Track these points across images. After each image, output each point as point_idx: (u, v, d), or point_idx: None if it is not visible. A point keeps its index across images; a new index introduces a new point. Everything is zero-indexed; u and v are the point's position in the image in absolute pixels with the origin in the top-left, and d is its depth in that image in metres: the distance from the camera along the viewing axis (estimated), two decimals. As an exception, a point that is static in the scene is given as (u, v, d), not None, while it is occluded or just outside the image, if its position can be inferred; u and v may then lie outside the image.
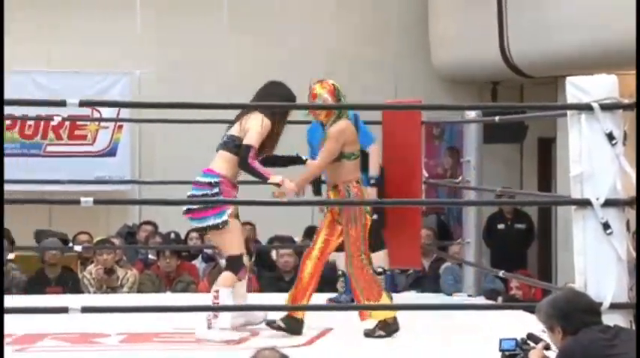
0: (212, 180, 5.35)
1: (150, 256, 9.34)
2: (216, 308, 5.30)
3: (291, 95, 5.59)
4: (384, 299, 5.49)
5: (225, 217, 5.32)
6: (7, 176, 10.35)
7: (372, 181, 6.49)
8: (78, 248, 7.97)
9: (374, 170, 6.51)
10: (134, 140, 11.50)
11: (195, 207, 5.33)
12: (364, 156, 6.18)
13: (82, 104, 4.59)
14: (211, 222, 5.33)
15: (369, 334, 5.47)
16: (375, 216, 6.49)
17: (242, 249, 5.44)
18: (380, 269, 6.51)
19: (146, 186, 10.82)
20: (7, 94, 10.23)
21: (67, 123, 10.92)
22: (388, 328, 5.46)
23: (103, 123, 11.22)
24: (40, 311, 5.26)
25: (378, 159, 6.54)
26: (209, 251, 9.07)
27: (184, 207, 5.39)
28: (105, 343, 5.28)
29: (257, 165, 5.37)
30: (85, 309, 4.40)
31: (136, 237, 10.04)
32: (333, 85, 5.60)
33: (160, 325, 5.57)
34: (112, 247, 8.40)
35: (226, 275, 5.37)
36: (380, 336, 5.44)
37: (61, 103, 4.56)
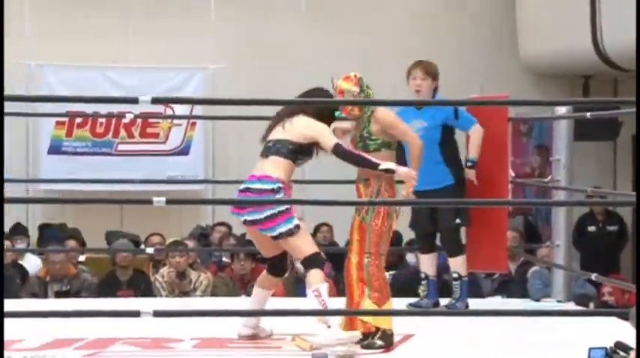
0: (274, 186, 5.31)
1: (224, 259, 9.41)
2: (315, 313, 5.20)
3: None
4: (389, 306, 5.44)
5: (295, 221, 5.30)
6: (78, 175, 10.64)
7: (469, 164, 6.50)
8: (150, 250, 8.07)
9: (473, 152, 6.52)
10: (207, 138, 11.60)
11: (262, 216, 5.29)
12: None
13: (155, 101, 4.64)
14: (283, 229, 5.30)
15: (369, 345, 5.33)
16: (457, 221, 6.49)
17: (315, 246, 5.41)
18: (455, 275, 6.48)
19: (220, 185, 10.91)
20: (79, 91, 10.50)
21: (139, 120, 11.07)
22: (387, 339, 5.36)
23: (175, 121, 11.34)
24: (111, 315, 5.33)
25: (478, 142, 6.53)
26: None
27: (248, 217, 5.33)
28: (177, 348, 5.33)
29: (360, 152, 5.38)
30: (158, 313, 4.45)
31: (209, 239, 10.13)
32: (356, 76, 5.61)
33: (234, 330, 5.61)
34: (185, 249, 8.48)
35: (314, 273, 5.27)
36: (379, 347, 5.32)
37: (133, 100, 4.61)
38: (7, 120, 10.99)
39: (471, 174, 6.52)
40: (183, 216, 11.36)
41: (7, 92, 4.71)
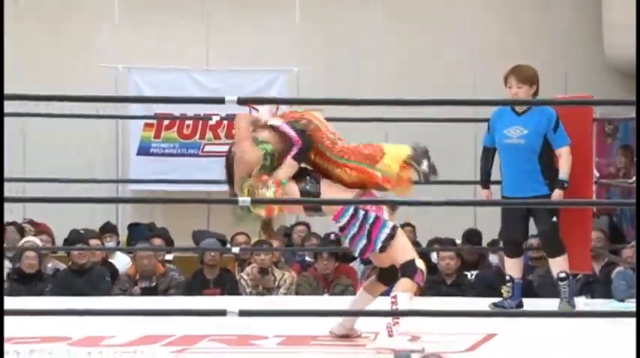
0: (350, 212, 5.15)
1: (307, 258, 9.47)
2: (388, 314, 5.17)
3: None
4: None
5: (390, 224, 5.23)
6: (166, 176, 10.79)
7: (561, 184, 6.29)
8: (235, 249, 8.15)
9: (564, 173, 6.31)
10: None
11: (359, 245, 5.18)
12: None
13: (241, 101, 4.68)
14: (382, 239, 5.18)
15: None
16: (554, 219, 6.41)
17: (413, 252, 5.30)
18: (562, 275, 6.41)
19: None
20: (165, 93, 10.64)
21: (225, 122, 11.18)
22: None
23: (261, 122, 11.43)
24: (198, 314, 5.42)
25: (569, 163, 6.33)
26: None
27: (355, 252, 5.27)
28: (263, 345, 5.40)
29: None
30: (243, 313, 4.51)
31: (292, 238, 10.19)
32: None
33: (317, 328, 5.65)
34: (270, 249, 8.54)
35: (404, 282, 5.17)
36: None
37: (220, 100, 4.66)
38: (98, 122, 11.28)
39: (558, 194, 6.30)
40: (269, 216, 11.44)
41: (97, 94, 4.85)
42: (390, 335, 5.14)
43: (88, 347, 5.17)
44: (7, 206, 9.57)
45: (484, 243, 9.42)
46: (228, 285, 8.48)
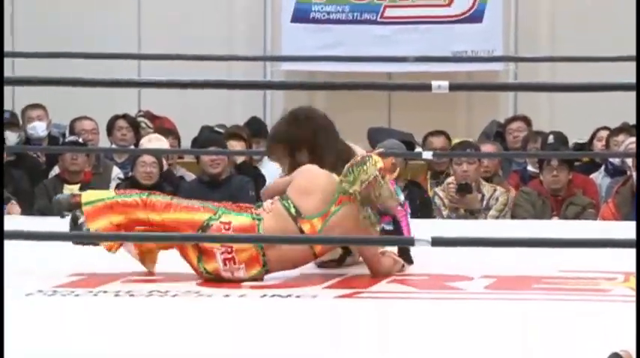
0: None
1: (529, 168, 9.39)
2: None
3: None
4: None
5: None
6: (331, 50, 10.81)
7: None
8: (427, 154, 8.12)
9: None
10: (508, -1, 11.54)
11: None
12: None
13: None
14: None
15: None
16: None
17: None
18: None
19: (524, 65, 10.84)
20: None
21: (414, -25, 11.13)
22: None
23: (464, -25, 11.34)
24: (375, 243, 5.43)
25: None
26: (616, 161, 8.97)
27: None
28: (464, 289, 5.38)
29: None
30: (437, 242, 4.48)
31: (506, 140, 10.11)
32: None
33: (542, 266, 5.61)
34: (476, 154, 8.51)
35: None
36: None
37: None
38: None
39: None
40: (473, 107, 11.40)
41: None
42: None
43: (223, 287, 5.25)
44: (117, 93, 9.93)
45: None
46: (417, 203, 8.50)
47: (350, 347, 4.16)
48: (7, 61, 10.86)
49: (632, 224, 7.50)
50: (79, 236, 5.51)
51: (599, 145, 9.57)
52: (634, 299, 5.11)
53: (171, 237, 5.45)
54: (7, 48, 11.03)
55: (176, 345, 4.15)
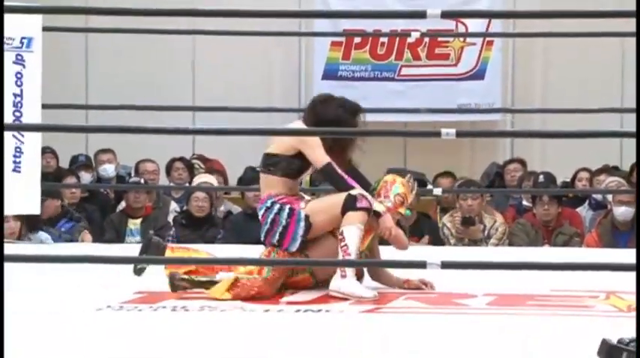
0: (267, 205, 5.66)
1: (524, 202, 9.35)
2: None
3: None
4: None
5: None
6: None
7: None
8: (438, 191, 8.09)
9: None
10: (507, 60, 11.49)
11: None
12: None
13: (445, 15, 4.61)
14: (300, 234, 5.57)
15: None
16: None
17: (338, 197, 5.63)
18: None
19: (520, 115, 10.80)
20: (357, 6, 10.62)
21: (427, 39, 11.09)
22: None
23: (468, 39, 11.29)
24: (393, 265, 5.41)
25: None
26: (598, 197, 8.94)
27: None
28: (469, 305, 5.34)
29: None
30: (446, 265, 4.47)
31: (504, 179, 10.07)
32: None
33: (536, 286, 5.57)
34: (478, 190, 8.47)
35: (347, 216, 5.44)
36: None
37: (421, 15, 4.60)
38: (276, 41, 11.38)
39: None
40: (476, 151, 11.36)
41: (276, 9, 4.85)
42: (343, 276, 5.39)
43: (266, 304, 5.24)
44: (175, 139, 9.96)
45: None
46: (427, 233, 8.46)
47: (374, 354, 4.16)
48: (81, 112, 10.92)
49: (613, 251, 7.47)
50: (138, 260, 5.53)
51: (579, 184, 9.59)
52: (615, 314, 5.10)
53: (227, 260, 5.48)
54: (80, 101, 11.08)
55: (225, 354, 4.14)
